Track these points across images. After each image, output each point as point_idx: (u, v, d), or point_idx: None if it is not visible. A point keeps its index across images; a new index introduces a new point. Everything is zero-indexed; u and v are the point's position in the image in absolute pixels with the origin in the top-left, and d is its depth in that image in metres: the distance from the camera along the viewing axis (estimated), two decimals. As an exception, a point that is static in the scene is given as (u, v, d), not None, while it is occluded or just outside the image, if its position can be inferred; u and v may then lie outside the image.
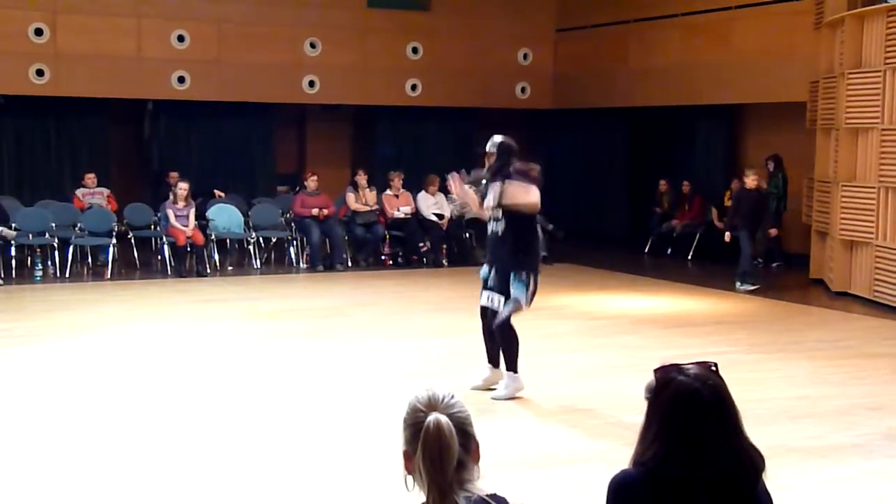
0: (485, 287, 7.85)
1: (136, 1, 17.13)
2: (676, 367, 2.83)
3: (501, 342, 7.80)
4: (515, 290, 7.62)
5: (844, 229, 13.11)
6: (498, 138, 7.83)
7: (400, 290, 13.49)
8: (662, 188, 17.69)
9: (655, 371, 2.85)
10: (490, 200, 7.70)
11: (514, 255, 7.63)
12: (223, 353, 9.43)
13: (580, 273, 15.25)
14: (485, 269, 7.92)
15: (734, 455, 2.74)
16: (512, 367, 7.79)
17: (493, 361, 8.01)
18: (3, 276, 13.46)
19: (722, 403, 2.76)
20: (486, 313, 7.86)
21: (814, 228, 14.48)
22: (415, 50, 18.86)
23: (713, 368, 2.84)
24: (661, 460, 2.74)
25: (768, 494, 2.83)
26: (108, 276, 14.12)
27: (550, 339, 10.23)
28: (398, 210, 15.93)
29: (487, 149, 7.83)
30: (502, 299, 7.66)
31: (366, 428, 7.02)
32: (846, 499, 5.83)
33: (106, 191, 15.79)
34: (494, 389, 7.85)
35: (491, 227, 7.80)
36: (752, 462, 2.76)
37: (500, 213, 7.66)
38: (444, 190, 16.35)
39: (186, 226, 14.43)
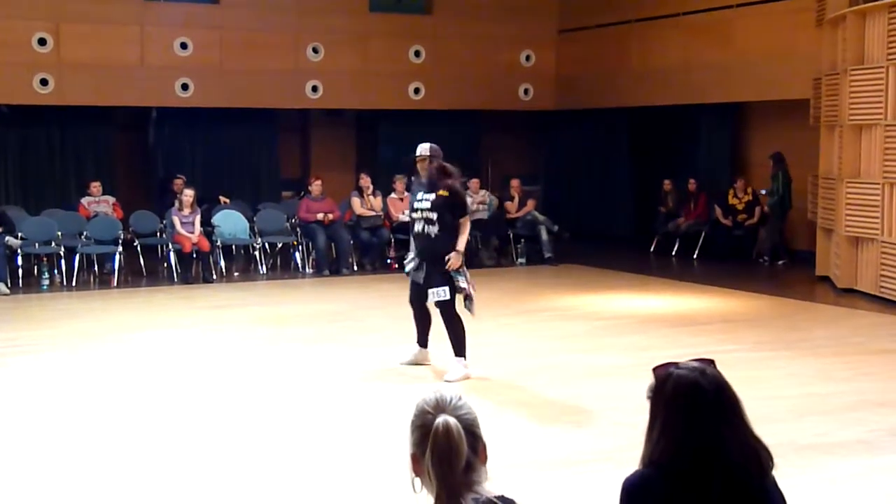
0: (421, 284, 8.64)
1: (138, 9, 17.18)
2: (674, 364, 2.86)
3: (452, 331, 8.52)
4: (461, 281, 8.51)
5: (850, 226, 13.10)
6: (428, 144, 8.71)
7: (406, 293, 13.44)
8: (667, 188, 17.67)
9: (654, 369, 2.88)
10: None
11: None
12: (231, 359, 9.45)
13: (586, 273, 15.26)
14: (412, 264, 8.74)
15: (740, 445, 2.76)
16: (461, 352, 8.53)
17: (423, 343, 8.94)
18: (9, 285, 13.48)
19: (722, 394, 2.78)
20: (419, 303, 8.78)
21: (819, 225, 14.48)
22: (417, 53, 18.87)
23: (711, 365, 2.87)
24: (670, 456, 2.76)
25: (779, 489, 2.84)
26: (115, 284, 14.14)
27: (558, 341, 10.24)
28: (403, 213, 15.94)
29: (420, 153, 8.67)
30: (447, 290, 8.44)
31: (373, 430, 7.04)
32: (854, 495, 5.84)
33: (111, 199, 15.81)
34: (422, 365, 8.89)
35: (421, 227, 8.59)
36: (757, 453, 2.78)
37: (434, 217, 8.50)
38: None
39: (192, 232, 14.44)
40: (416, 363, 8.97)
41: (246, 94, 17.66)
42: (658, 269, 15.73)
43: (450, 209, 8.52)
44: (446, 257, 8.44)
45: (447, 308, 8.52)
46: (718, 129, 17.91)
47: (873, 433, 6.92)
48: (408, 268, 8.84)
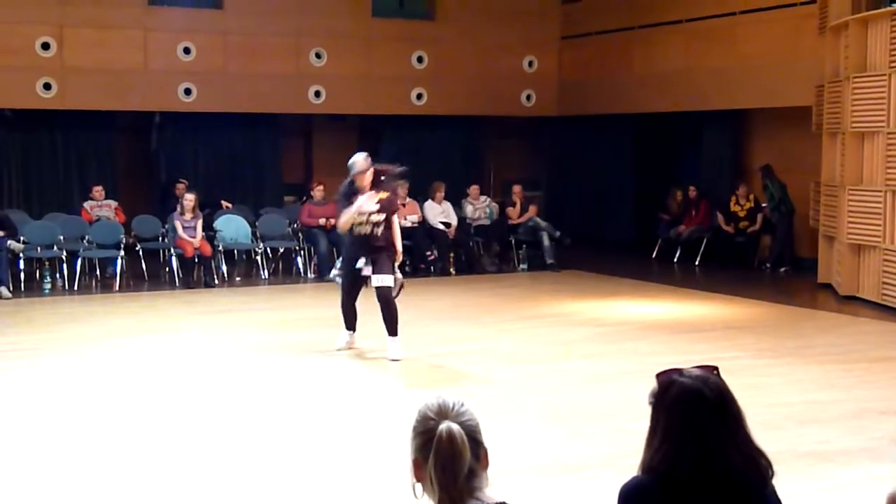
0: (368, 276, 9.51)
1: (141, 14, 17.19)
2: (678, 371, 2.85)
3: (390, 314, 9.49)
4: (398, 273, 9.64)
5: (852, 233, 13.10)
6: (362, 155, 9.80)
7: (408, 298, 13.38)
8: (678, 198, 17.59)
9: (658, 375, 2.87)
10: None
11: (393, 250, 9.63)
12: (232, 364, 9.45)
13: (587, 280, 15.25)
14: (361, 261, 9.47)
15: (741, 455, 2.75)
16: (396, 332, 9.49)
17: (353, 328, 9.87)
18: (11, 289, 13.47)
19: (724, 403, 2.78)
20: (356, 294, 9.75)
21: (821, 233, 14.47)
22: (420, 59, 18.88)
23: (714, 372, 2.87)
24: (670, 463, 2.75)
25: (778, 499, 2.83)
26: (117, 289, 14.14)
27: (559, 346, 10.24)
28: (405, 219, 15.92)
29: (359, 168, 9.63)
30: (391, 278, 9.48)
31: (374, 435, 7.04)
32: (856, 503, 5.83)
33: (114, 203, 15.82)
34: (352, 349, 9.85)
35: (370, 229, 9.46)
36: (757, 462, 2.78)
37: (381, 219, 9.47)
38: (451, 198, 16.46)
39: (194, 237, 14.45)
40: (349, 347, 9.85)
41: (248, 98, 17.66)
42: (660, 276, 15.72)
43: (389, 208, 9.59)
44: (397, 255, 9.73)
45: (387, 293, 9.45)
46: (720, 136, 17.89)
47: (875, 441, 6.91)
48: (359, 264, 9.49)
